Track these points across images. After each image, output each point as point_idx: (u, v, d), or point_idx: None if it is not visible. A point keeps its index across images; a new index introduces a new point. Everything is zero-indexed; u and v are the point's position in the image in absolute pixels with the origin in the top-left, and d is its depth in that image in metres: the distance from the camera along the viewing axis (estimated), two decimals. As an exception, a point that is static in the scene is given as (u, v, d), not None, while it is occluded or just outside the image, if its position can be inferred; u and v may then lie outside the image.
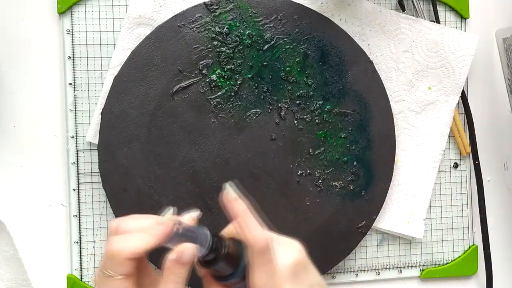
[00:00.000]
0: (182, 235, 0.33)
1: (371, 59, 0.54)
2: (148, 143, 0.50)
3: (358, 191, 0.53)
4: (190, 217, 0.36)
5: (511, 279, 0.60)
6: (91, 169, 0.51)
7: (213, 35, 0.51)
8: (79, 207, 0.51)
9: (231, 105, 0.51)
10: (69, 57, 0.51)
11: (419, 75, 0.55)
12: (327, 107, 0.53)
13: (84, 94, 0.51)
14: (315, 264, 0.53)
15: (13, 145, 0.51)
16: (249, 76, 0.51)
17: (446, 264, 0.58)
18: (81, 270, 0.51)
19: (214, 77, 0.51)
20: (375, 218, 0.54)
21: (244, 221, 0.36)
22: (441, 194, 0.58)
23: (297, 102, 0.52)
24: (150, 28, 0.51)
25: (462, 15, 0.58)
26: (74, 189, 0.51)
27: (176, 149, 0.50)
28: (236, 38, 0.51)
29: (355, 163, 0.53)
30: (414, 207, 0.56)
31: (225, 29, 0.51)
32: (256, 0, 0.52)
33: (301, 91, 0.52)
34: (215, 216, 0.51)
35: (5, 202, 0.50)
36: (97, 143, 0.50)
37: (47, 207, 0.51)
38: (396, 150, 0.54)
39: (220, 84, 0.51)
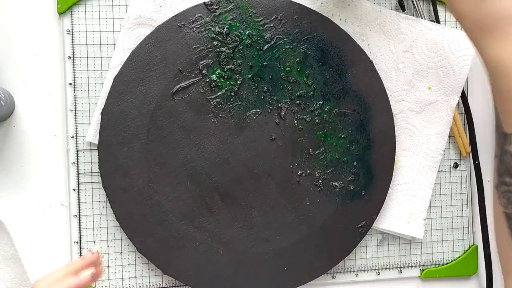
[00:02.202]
0: None
1: (371, 59, 0.54)
2: (148, 143, 0.50)
3: (358, 191, 0.53)
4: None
5: (511, 279, 0.60)
6: (91, 169, 0.51)
7: (213, 35, 0.51)
8: (79, 207, 0.51)
9: (231, 105, 0.51)
10: (69, 57, 0.51)
11: (419, 75, 0.55)
12: (327, 107, 0.53)
13: (84, 94, 0.51)
14: (314, 264, 0.52)
15: (13, 145, 0.51)
16: (249, 76, 0.51)
17: (446, 264, 0.58)
18: (81, 270, 0.51)
19: (214, 77, 0.51)
20: (375, 218, 0.54)
21: None
22: (441, 194, 0.58)
23: (297, 102, 0.52)
24: (150, 28, 0.51)
25: (462, 15, 0.58)
26: (74, 189, 0.51)
27: (176, 149, 0.50)
28: (236, 38, 0.51)
29: (355, 163, 0.53)
30: (414, 207, 0.56)
31: (225, 29, 0.51)
32: (256, 0, 0.51)
33: (301, 91, 0.52)
34: (215, 216, 0.51)
35: (5, 202, 0.50)
36: (97, 143, 0.50)
37: (47, 207, 0.51)
38: (396, 150, 0.54)
39: (220, 84, 0.51)
